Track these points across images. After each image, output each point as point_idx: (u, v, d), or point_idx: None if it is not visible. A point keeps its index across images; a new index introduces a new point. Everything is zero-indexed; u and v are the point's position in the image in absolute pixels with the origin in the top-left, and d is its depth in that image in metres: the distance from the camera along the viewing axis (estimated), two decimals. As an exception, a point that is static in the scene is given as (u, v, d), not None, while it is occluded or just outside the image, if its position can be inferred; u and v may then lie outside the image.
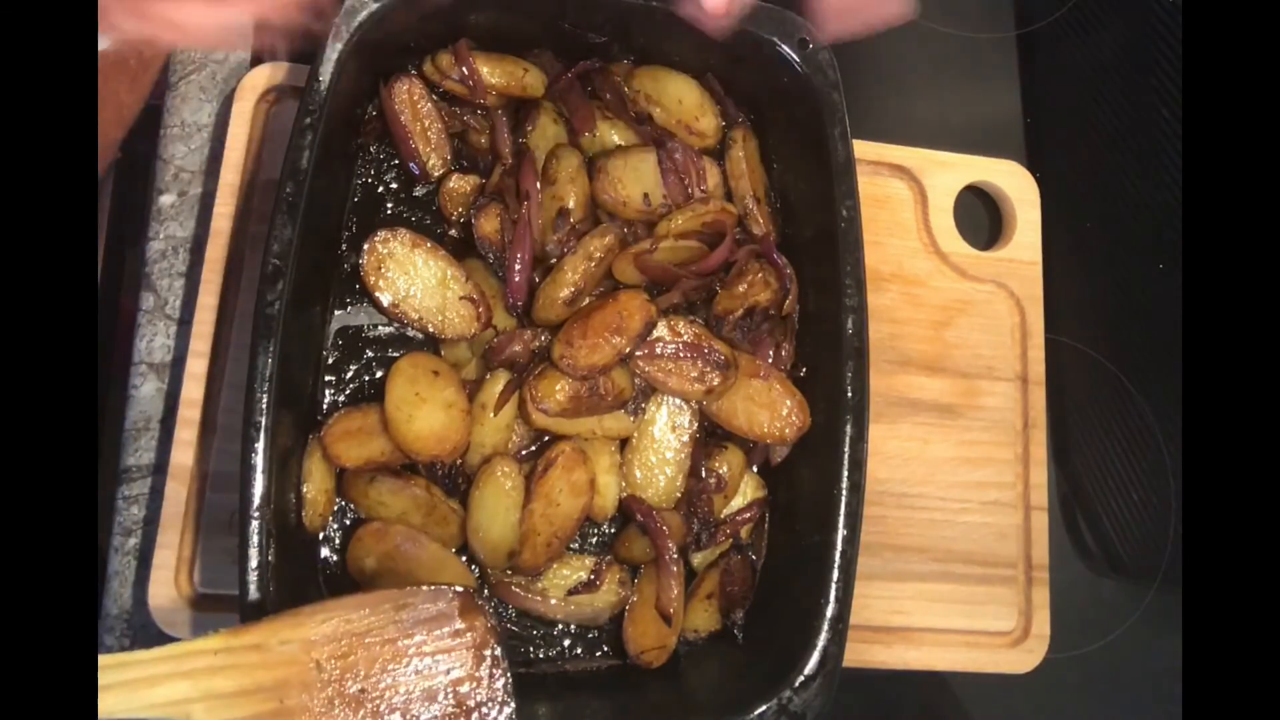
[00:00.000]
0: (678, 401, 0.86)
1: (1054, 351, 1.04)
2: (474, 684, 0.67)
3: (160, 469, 0.87)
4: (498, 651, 0.68)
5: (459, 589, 0.69)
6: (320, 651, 0.65)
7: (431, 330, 0.84)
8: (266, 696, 0.63)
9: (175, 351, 0.90)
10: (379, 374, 0.85)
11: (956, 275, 1.03)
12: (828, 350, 0.84)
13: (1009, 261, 1.05)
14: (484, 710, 0.67)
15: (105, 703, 0.60)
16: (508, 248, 0.85)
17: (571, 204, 0.86)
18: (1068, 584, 1.01)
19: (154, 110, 0.97)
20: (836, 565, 0.77)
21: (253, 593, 0.69)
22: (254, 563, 0.69)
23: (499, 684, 0.67)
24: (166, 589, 0.83)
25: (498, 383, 0.83)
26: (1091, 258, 1.11)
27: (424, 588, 0.68)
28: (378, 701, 0.65)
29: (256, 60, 0.97)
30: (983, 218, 1.09)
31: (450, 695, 0.66)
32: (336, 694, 0.65)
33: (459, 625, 0.68)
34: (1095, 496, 1.06)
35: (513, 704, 0.67)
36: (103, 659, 0.61)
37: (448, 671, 0.67)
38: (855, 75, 0.91)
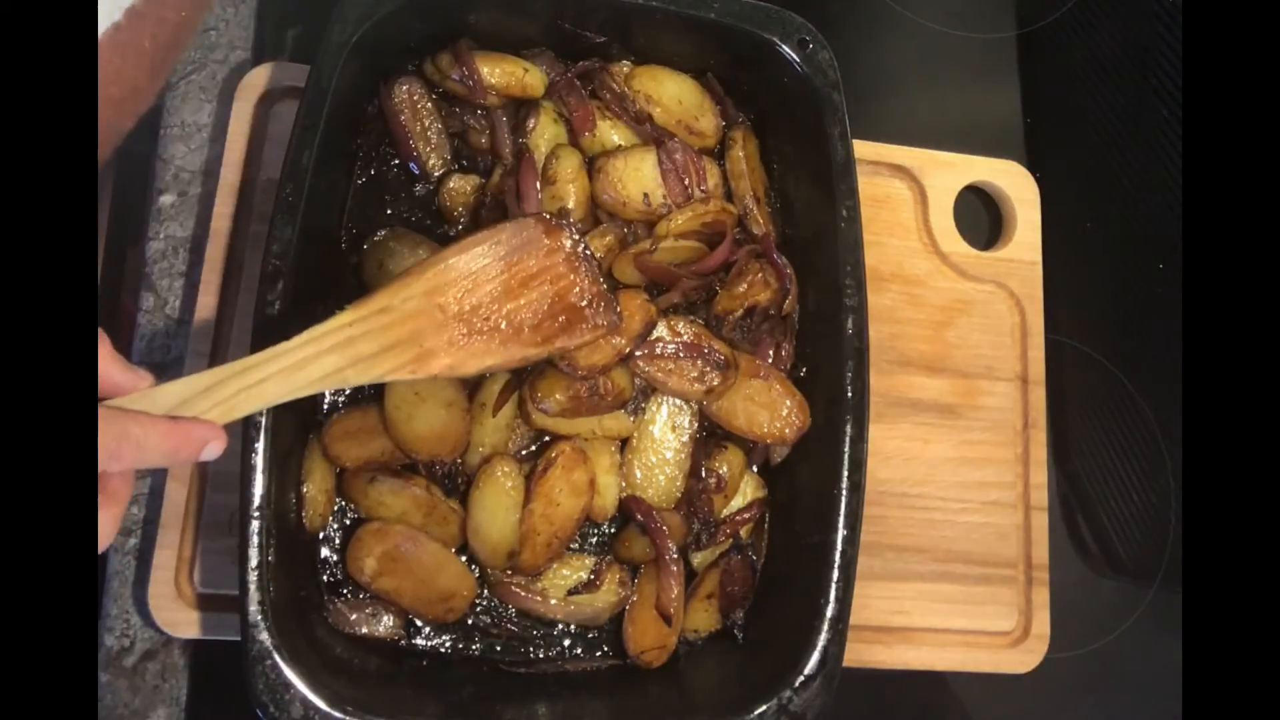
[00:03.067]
0: (678, 401, 0.86)
1: (1054, 351, 1.04)
2: (578, 288, 0.75)
3: (160, 469, 0.87)
4: (588, 254, 0.75)
5: (534, 214, 0.77)
6: (442, 297, 0.71)
7: (431, 330, 0.84)
8: (406, 346, 0.70)
9: (175, 351, 0.90)
10: (379, 374, 0.85)
11: (956, 275, 1.03)
12: (828, 350, 0.84)
13: (1009, 261, 1.05)
14: (591, 308, 0.75)
15: (268, 392, 0.65)
16: None
17: (571, 204, 0.86)
18: (1068, 584, 1.01)
19: (154, 110, 0.96)
20: (836, 565, 0.77)
21: (253, 592, 0.69)
22: (254, 563, 0.69)
23: (600, 284, 0.75)
24: (166, 589, 0.83)
25: (497, 382, 0.83)
26: (1091, 258, 1.11)
27: (505, 223, 0.75)
28: (509, 322, 0.73)
29: (257, 60, 0.97)
30: (983, 218, 1.09)
31: (562, 301, 0.74)
32: (469, 327, 0.72)
33: (548, 244, 0.74)
34: (1095, 496, 1.06)
35: (615, 297, 0.77)
36: (252, 359, 0.66)
37: (553, 281, 0.74)
38: (855, 75, 0.91)
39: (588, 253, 0.76)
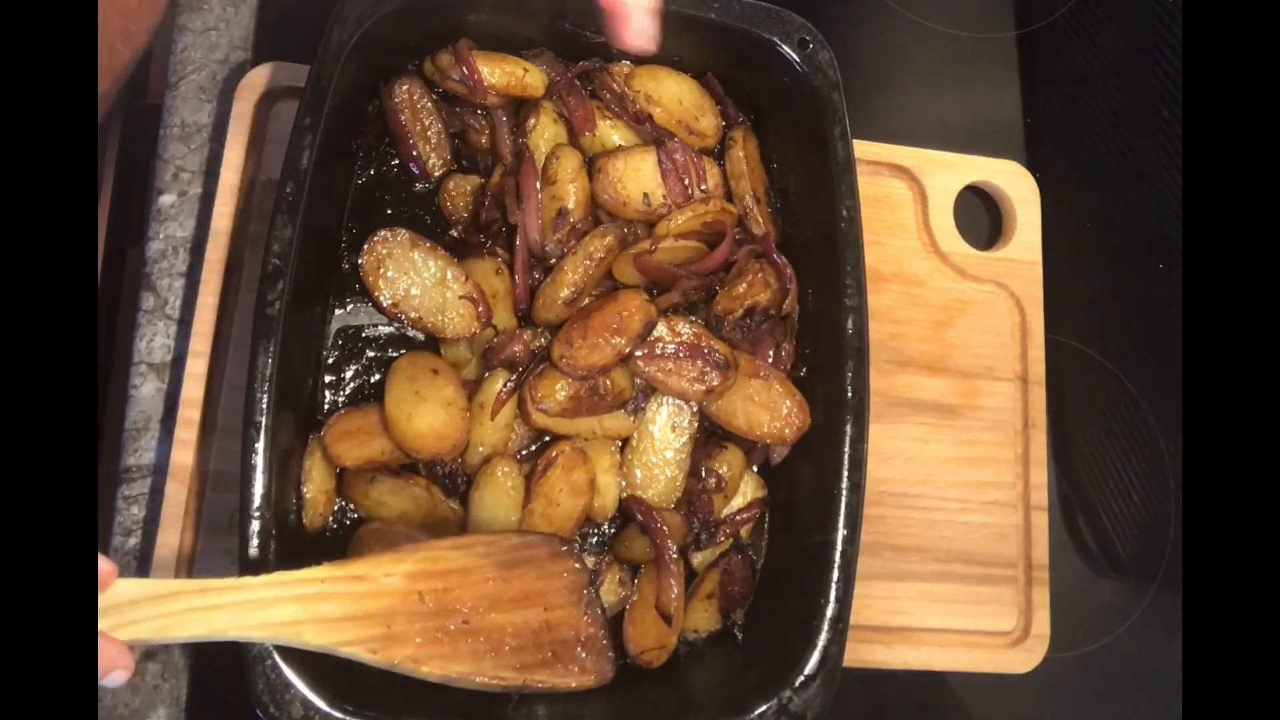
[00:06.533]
0: (678, 401, 0.86)
1: (1054, 351, 1.04)
2: (574, 625, 0.70)
3: (160, 469, 0.87)
4: (592, 594, 0.71)
5: (546, 535, 0.73)
6: (423, 584, 0.67)
7: (431, 330, 0.84)
8: (374, 622, 0.65)
9: (175, 351, 0.90)
10: (379, 374, 0.85)
11: (956, 275, 1.03)
12: (828, 350, 0.84)
13: (1009, 261, 1.05)
14: (585, 650, 0.70)
15: (218, 621, 0.62)
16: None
17: (571, 204, 0.86)
18: (1068, 584, 1.01)
19: (154, 110, 0.96)
20: (836, 565, 0.77)
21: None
22: (254, 562, 0.69)
23: (601, 630, 0.70)
24: (166, 589, 0.83)
25: (497, 382, 0.83)
26: (1091, 258, 1.11)
27: (513, 536, 0.72)
28: (481, 636, 0.67)
29: (257, 60, 0.97)
30: (983, 218, 1.09)
31: (552, 633, 0.69)
32: (440, 626, 0.67)
33: (550, 569, 0.70)
34: (1095, 496, 1.05)
35: (609, 644, 0.71)
36: (213, 582, 0.63)
37: (549, 608, 0.69)
38: (855, 75, 0.91)
39: (593, 593, 0.71)
